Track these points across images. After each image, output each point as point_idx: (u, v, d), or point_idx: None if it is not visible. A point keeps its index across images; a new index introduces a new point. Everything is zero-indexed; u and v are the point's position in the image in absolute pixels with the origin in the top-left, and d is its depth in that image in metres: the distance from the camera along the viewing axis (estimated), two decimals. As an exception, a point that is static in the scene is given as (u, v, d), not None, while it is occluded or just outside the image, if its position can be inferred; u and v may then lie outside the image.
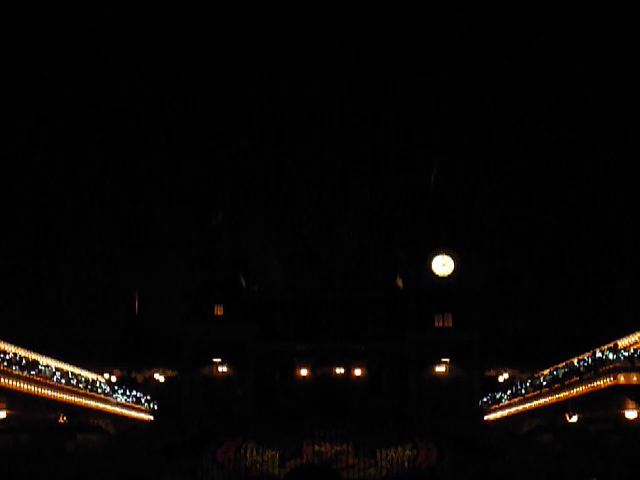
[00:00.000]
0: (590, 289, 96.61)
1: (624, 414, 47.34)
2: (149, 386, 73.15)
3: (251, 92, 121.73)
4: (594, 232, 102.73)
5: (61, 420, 52.80)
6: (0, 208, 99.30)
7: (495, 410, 65.19)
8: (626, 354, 40.79)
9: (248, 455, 68.18)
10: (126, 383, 67.44)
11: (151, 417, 67.63)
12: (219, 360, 73.47)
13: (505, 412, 62.63)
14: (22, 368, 43.34)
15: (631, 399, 43.66)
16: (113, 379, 66.91)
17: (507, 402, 61.72)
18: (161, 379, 74.89)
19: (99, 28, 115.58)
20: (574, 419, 50.73)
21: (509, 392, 61.48)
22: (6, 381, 41.75)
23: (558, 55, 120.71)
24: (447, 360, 73.10)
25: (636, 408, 45.95)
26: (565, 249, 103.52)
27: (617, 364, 41.02)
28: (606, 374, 41.95)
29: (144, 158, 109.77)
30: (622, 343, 42.34)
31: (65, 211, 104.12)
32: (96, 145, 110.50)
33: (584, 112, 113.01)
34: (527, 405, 56.85)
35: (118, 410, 60.41)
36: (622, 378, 40.73)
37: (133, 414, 63.85)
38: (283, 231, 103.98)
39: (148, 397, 67.74)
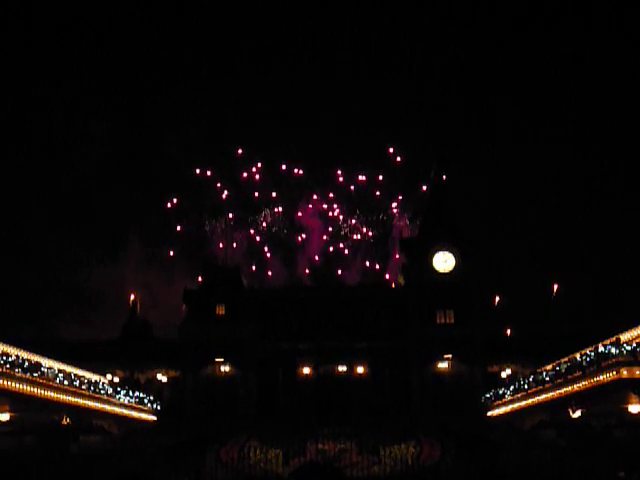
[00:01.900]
0: (592, 283, 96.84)
1: (627, 408, 47.34)
2: (152, 386, 73.09)
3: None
4: (594, 226, 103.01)
5: (64, 422, 52.76)
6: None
7: (498, 406, 65.19)
8: (629, 348, 40.84)
9: (252, 454, 68.29)
10: (129, 384, 67.36)
11: (154, 417, 67.64)
12: (221, 360, 73.41)
13: (508, 408, 62.63)
14: (25, 370, 43.36)
15: (634, 393, 43.66)
16: (116, 380, 66.82)
17: (510, 398, 61.72)
18: (164, 379, 74.83)
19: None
20: (577, 414, 50.73)
21: (512, 388, 61.48)
22: (9, 383, 41.77)
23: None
24: (449, 356, 73.01)
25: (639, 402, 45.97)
26: (566, 243, 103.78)
27: (620, 358, 41.08)
28: (609, 368, 41.97)
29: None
30: (624, 337, 42.32)
31: (64, 211, 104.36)
32: None
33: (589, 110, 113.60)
34: (530, 400, 56.86)
35: (121, 411, 60.43)
36: (625, 372, 40.78)
37: (136, 415, 63.86)
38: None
39: (151, 397, 67.77)
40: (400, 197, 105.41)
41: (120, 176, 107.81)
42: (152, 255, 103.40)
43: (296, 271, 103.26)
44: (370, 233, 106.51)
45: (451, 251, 75.50)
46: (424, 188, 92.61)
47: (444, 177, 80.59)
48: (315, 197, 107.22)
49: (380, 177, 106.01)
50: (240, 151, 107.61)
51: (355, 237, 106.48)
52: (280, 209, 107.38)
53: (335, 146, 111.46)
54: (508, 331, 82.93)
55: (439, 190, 79.97)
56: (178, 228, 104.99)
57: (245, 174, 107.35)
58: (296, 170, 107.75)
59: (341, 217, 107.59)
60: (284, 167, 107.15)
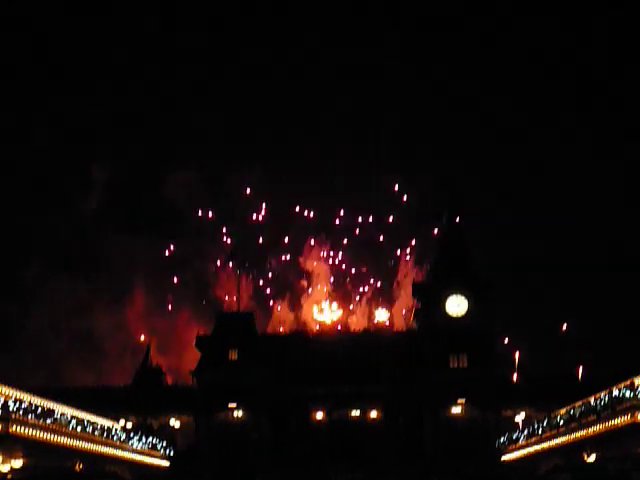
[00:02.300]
0: (605, 326, 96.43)
1: (643, 452, 47.01)
2: (165, 432, 72.92)
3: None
4: (607, 267, 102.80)
5: (77, 468, 52.62)
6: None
7: (512, 450, 64.80)
8: (643, 392, 40.67)
9: (265, 500, 67.99)
10: (142, 430, 67.20)
11: (167, 463, 67.43)
12: (234, 405, 73.30)
13: (522, 452, 62.28)
14: (38, 417, 43.39)
15: (650, 437, 43.43)
16: (129, 426, 66.75)
17: (524, 442, 61.38)
18: (177, 425, 74.71)
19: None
20: (592, 458, 50.38)
21: (526, 432, 61.16)
22: (22, 430, 41.80)
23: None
24: (463, 401, 72.75)
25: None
26: (577, 287, 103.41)
27: (634, 402, 40.90)
28: (623, 412, 41.78)
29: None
30: (639, 381, 42.11)
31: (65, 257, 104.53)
32: None
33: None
34: (544, 445, 56.55)
35: (134, 457, 60.32)
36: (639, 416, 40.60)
37: (149, 460, 63.72)
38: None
39: (164, 443, 67.58)
40: (412, 242, 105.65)
41: (120, 222, 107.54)
42: (157, 301, 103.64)
43: (301, 315, 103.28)
44: (375, 280, 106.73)
45: (464, 295, 75.45)
46: (435, 231, 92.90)
47: (457, 220, 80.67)
48: (319, 242, 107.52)
49: (390, 219, 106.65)
50: (248, 191, 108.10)
51: (361, 286, 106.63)
52: (288, 257, 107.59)
53: (342, 190, 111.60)
54: (521, 375, 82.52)
55: (452, 233, 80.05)
56: (175, 279, 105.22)
57: (253, 216, 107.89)
58: (305, 212, 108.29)
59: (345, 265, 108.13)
60: (295, 209, 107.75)
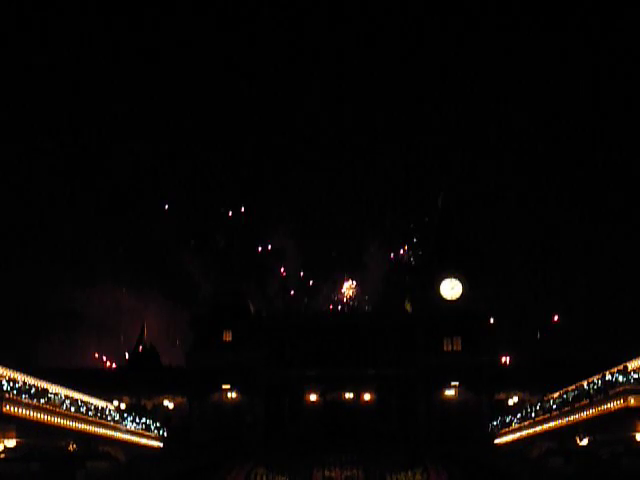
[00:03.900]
0: (599, 310, 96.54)
1: (635, 436, 47.10)
2: (158, 413, 73.00)
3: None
4: (604, 251, 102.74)
5: (71, 448, 52.75)
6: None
7: (505, 434, 64.98)
8: (636, 376, 40.75)
9: (258, 481, 68.07)
10: (135, 410, 67.24)
11: (161, 444, 67.52)
12: (228, 386, 73.42)
13: (515, 435, 62.45)
14: (31, 396, 43.40)
15: (642, 421, 43.60)
16: (122, 406, 66.76)
17: (517, 425, 61.53)
18: (170, 406, 74.81)
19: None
20: (584, 442, 50.56)
21: (519, 415, 61.31)
22: (15, 409, 41.81)
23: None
24: (456, 384, 72.96)
25: (647, 430, 45.82)
26: (574, 270, 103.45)
27: (627, 386, 40.99)
28: (616, 396, 41.88)
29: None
30: (632, 365, 42.23)
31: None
32: None
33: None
34: (537, 428, 56.69)
35: (128, 437, 60.36)
36: (632, 400, 40.69)
37: (142, 441, 63.76)
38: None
39: (157, 424, 67.65)
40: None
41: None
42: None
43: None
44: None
45: (458, 278, 75.55)
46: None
47: (451, 204, 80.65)
48: None
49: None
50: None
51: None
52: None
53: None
54: (514, 358, 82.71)
55: (446, 218, 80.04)
56: None
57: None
58: None
59: None
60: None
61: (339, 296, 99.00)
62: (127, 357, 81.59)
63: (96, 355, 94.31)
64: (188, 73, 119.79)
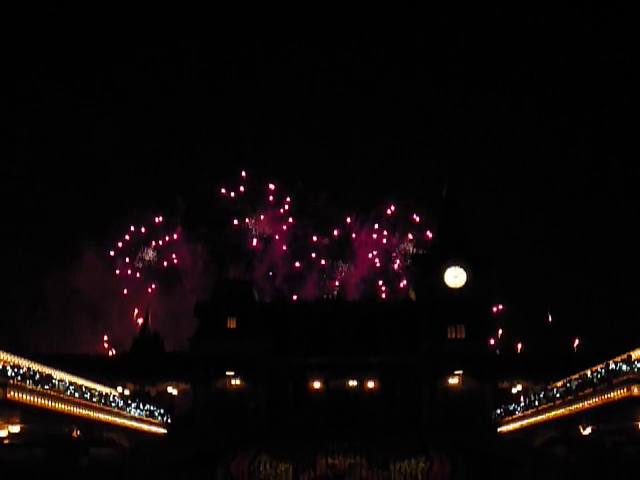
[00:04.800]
0: (604, 300, 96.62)
1: (638, 425, 47.16)
2: (162, 399, 73.11)
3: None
4: (607, 242, 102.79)
5: (75, 434, 52.86)
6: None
7: (508, 422, 65.05)
8: (640, 365, 40.77)
9: (262, 468, 68.20)
10: (139, 397, 67.36)
11: (164, 430, 67.69)
12: (232, 373, 73.45)
13: (518, 424, 62.50)
14: (36, 382, 43.49)
15: (645, 410, 43.59)
16: (126, 393, 66.95)
17: (520, 414, 61.58)
18: (174, 392, 74.93)
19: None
20: (588, 431, 50.60)
21: (522, 404, 61.36)
22: (20, 395, 41.90)
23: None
24: (460, 372, 72.92)
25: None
26: (578, 259, 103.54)
27: (631, 375, 40.99)
28: (620, 385, 41.88)
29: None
30: (636, 354, 42.21)
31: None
32: None
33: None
34: (540, 417, 56.74)
35: (131, 424, 60.51)
36: (636, 389, 40.71)
37: (146, 428, 63.93)
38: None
39: (161, 410, 67.80)
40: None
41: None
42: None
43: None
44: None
45: (462, 266, 75.42)
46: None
47: (456, 193, 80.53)
48: None
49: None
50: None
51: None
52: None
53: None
54: (519, 347, 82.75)
55: (450, 206, 79.94)
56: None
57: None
58: None
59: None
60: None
61: (339, 284, 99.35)
62: (132, 343, 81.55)
63: (99, 341, 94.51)
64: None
